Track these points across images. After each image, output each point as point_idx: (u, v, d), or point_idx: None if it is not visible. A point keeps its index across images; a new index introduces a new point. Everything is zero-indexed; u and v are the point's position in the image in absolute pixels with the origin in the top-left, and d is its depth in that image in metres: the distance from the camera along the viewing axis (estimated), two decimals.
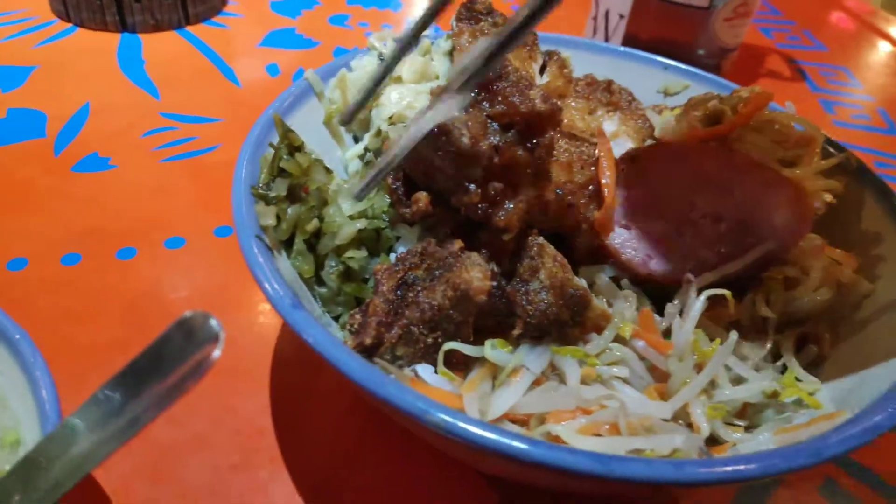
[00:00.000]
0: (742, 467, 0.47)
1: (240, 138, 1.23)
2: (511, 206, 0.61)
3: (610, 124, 0.86)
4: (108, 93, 1.33)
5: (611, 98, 0.87)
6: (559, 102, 0.64)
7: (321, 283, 0.71)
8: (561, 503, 0.74)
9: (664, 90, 0.99)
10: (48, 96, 1.29)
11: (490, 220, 0.62)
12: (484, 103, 0.61)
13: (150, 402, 0.43)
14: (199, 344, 0.39)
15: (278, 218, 0.65)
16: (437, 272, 0.61)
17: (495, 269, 0.64)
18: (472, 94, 0.62)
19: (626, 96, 0.89)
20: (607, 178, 0.72)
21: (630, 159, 0.77)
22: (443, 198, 0.66)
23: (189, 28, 1.56)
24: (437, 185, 0.65)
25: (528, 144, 0.62)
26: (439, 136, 0.61)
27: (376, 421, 0.82)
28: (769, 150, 0.82)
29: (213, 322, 0.39)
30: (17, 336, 0.58)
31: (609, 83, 0.90)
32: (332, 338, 0.53)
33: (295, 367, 0.87)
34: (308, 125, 0.82)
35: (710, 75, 0.98)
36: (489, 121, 0.61)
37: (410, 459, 0.78)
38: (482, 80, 0.61)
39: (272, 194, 0.65)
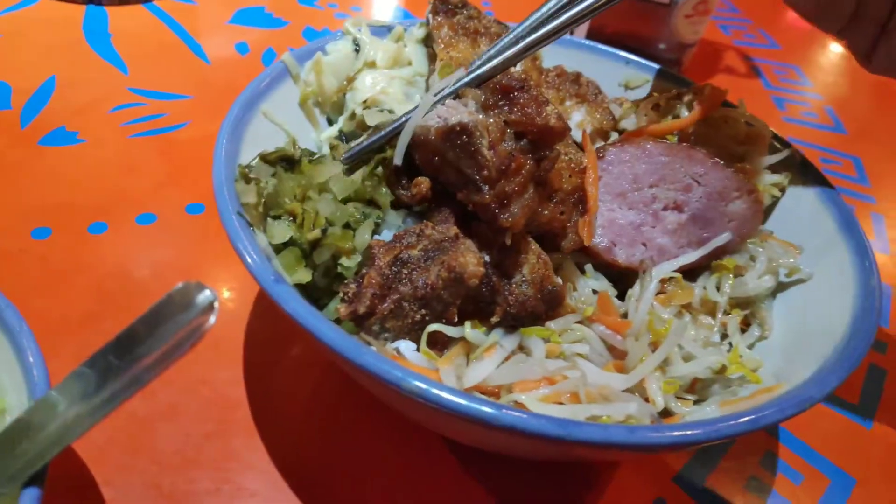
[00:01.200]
0: (689, 432, 0.52)
1: (209, 116, 1.25)
2: (517, 209, 0.65)
3: (577, 115, 0.90)
4: (75, 66, 1.31)
5: (579, 90, 0.92)
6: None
7: None
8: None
9: (625, 84, 1.04)
10: (12, 67, 1.27)
11: (496, 219, 0.65)
12: (504, 108, 0.65)
13: (143, 370, 0.45)
14: (194, 312, 0.42)
15: (259, 196, 0.67)
16: (432, 253, 0.65)
17: (486, 258, 0.68)
18: (494, 98, 0.65)
19: (592, 89, 0.93)
20: (593, 188, 0.76)
21: (598, 152, 0.81)
22: (443, 187, 0.70)
23: (156, 2, 1.55)
24: (445, 178, 0.68)
25: (537, 155, 0.66)
26: (460, 134, 0.64)
27: (347, 392, 0.85)
28: (723, 144, 0.87)
29: (208, 291, 0.42)
30: (1, 302, 0.60)
31: (577, 75, 0.94)
32: (313, 310, 0.56)
33: (266, 341, 0.89)
34: (284, 106, 0.84)
35: (669, 71, 1.03)
36: (507, 127, 0.64)
37: (378, 428, 0.81)
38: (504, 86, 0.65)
39: (253, 174, 0.68)
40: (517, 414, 0.50)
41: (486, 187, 0.63)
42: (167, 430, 0.79)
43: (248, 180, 0.67)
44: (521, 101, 0.65)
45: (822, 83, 1.81)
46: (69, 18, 1.44)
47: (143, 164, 1.13)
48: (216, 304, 0.41)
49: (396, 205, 0.73)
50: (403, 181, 0.71)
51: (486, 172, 0.63)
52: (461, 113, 0.65)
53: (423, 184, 0.68)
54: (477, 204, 0.65)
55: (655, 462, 0.84)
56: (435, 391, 0.51)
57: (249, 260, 0.60)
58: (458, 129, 0.63)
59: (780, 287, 0.81)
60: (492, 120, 0.64)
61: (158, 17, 1.50)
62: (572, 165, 0.71)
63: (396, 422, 0.81)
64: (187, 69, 1.36)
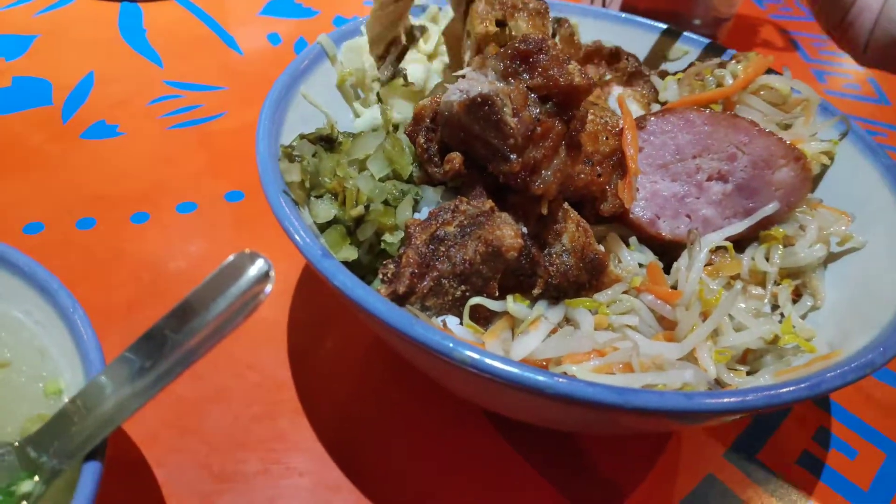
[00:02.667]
0: (748, 398, 0.51)
1: (244, 106, 1.26)
2: (549, 174, 0.64)
3: (617, 89, 0.89)
4: (112, 61, 1.33)
5: (618, 64, 0.90)
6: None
7: None
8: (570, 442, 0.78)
9: (665, 56, 1.02)
10: (52, 65, 1.30)
11: (528, 187, 0.64)
12: (524, 74, 0.64)
13: (198, 343, 0.46)
14: (249, 282, 0.42)
15: (303, 176, 0.67)
16: (468, 229, 0.64)
17: (524, 230, 0.67)
18: (514, 65, 0.64)
19: (632, 62, 0.92)
20: (631, 149, 0.74)
21: (639, 124, 0.80)
22: (474, 161, 0.69)
23: None
24: (475, 152, 0.67)
25: (565, 116, 0.65)
26: (482, 105, 0.63)
27: (390, 371, 0.85)
28: (768, 113, 0.85)
29: (262, 260, 0.42)
30: (56, 287, 0.61)
31: (616, 49, 0.92)
32: (362, 283, 0.56)
33: (311, 324, 0.90)
34: (322, 88, 0.84)
35: (710, 42, 1.00)
36: (529, 92, 0.63)
37: (423, 405, 0.82)
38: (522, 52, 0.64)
39: (296, 152, 0.68)
40: (572, 382, 0.49)
41: (514, 155, 0.62)
42: (216, 412, 0.80)
43: (291, 159, 0.67)
44: (542, 63, 0.64)
45: None
46: (105, 16, 1.46)
47: (182, 155, 1.14)
48: (271, 273, 0.41)
49: (432, 182, 0.72)
50: (435, 158, 0.70)
51: (511, 140, 0.62)
52: (482, 83, 0.64)
53: (456, 159, 0.67)
54: (506, 173, 0.64)
55: (705, 437, 0.83)
56: (488, 360, 0.50)
57: (297, 237, 0.60)
58: (479, 100, 0.62)
59: (832, 256, 0.79)
60: (513, 87, 0.63)
61: (191, 11, 1.51)
62: (609, 127, 0.70)
63: (441, 398, 0.81)
64: (221, 61, 1.38)
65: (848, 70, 1.67)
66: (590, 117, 0.68)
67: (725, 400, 0.50)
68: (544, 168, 0.63)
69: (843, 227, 0.77)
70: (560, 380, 0.49)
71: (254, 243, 1.00)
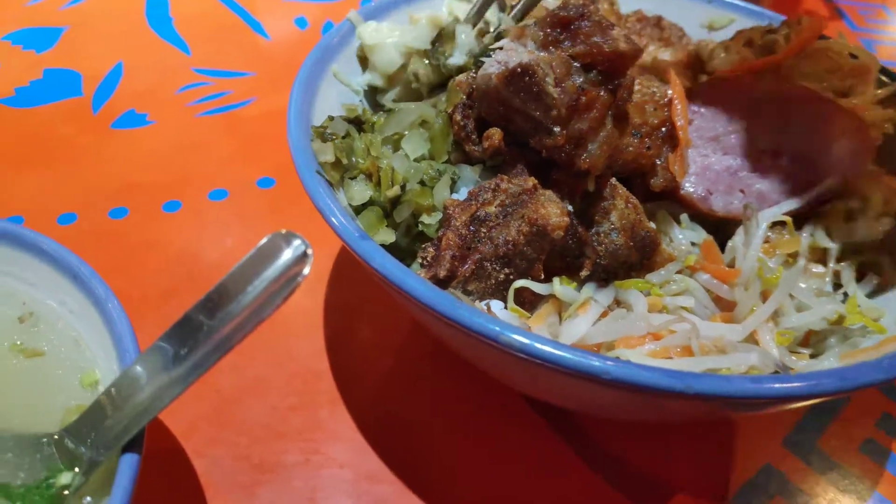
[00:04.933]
0: (821, 381, 0.47)
1: (273, 91, 1.23)
2: (595, 148, 0.60)
3: (662, 59, 0.84)
4: (140, 51, 1.32)
5: (661, 33, 0.86)
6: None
7: None
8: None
9: (709, 25, 0.97)
10: (81, 56, 1.29)
11: (573, 161, 0.61)
12: (566, 42, 0.60)
13: (235, 328, 0.43)
14: (286, 263, 0.40)
15: (337, 156, 0.64)
16: (510, 208, 0.61)
17: (569, 208, 0.63)
18: (554, 33, 0.60)
19: (676, 31, 0.87)
20: (681, 119, 0.70)
21: (688, 95, 0.76)
22: (514, 137, 0.65)
23: None
24: (515, 127, 0.64)
25: (610, 85, 0.61)
26: (522, 76, 0.60)
27: (431, 358, 0.83)
28: (823, 79, 0.80)
29: (299, 240, 0.40)
30: (89, 275, 0.59)
31: (659, 19, 0.88)
32: (401, 265, 0.54)
33: (347, 312, 0.88)
34: (353, 66, 0.82)
35: (756, 8, 0.95)
36: (572, 61, 0.60)
37: (462, 392, 0.79)
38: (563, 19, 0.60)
39: (329, 131, 0.65)
40: (629, 366, 0.46)
41: (558, 128, 0.59)
42: (254, 403, 0.78)
43: (324, 139, 0.65)
44: (584, 30, 0.60)
45: None
46: (131, 6, 1.45)
47: (212, 142, 1.13)
48: (309, 252, 0.39)
49: (470, 161, 0.69)
50: (473, 135, 0.67)
51: (554, 112, 0.58)
52: (521, 54, 0.61)
53: (495, 135, 0.63)
54: (550, 147, 0.60)
55: (762, 425, 0.79)
56: (538, 345, 0.47)
57: (333, 219, 0.57)
58: (519, 70, 0.59)
59: None
60: (555, 55, 0.60)
61: None
62: (657, 98, 0.66)
63: (481, 385, 0.78)
64: (248, 47, 1.36)
65: None
66: (636, 87, 0.64)
67: (796, 385, 0.47)
68: (590, 141, 0.59)
69: None
70: (616, 364, 0.46)
71: (287, 230, 0.98)
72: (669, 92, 0.70)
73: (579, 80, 0.58)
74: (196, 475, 0.72)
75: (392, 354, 0.84)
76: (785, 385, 0.47)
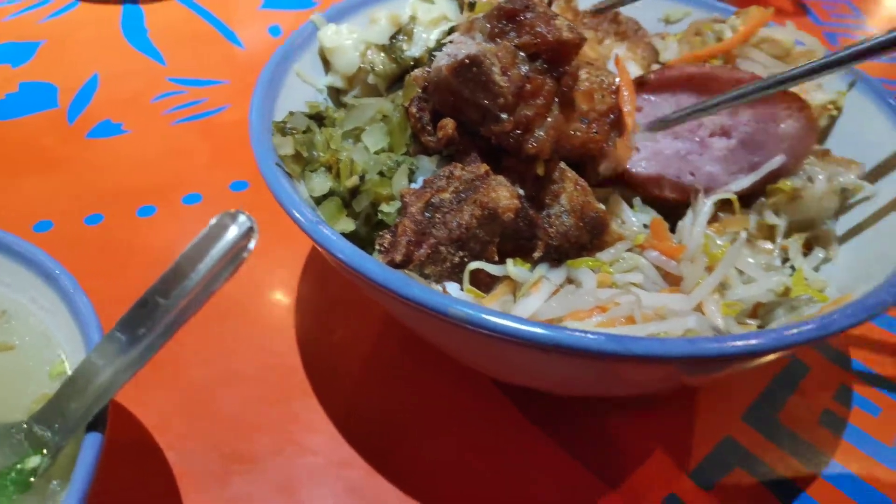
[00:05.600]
0: (753, 341, 0.49)
1: (247, 98, 1.23)
2: (541, 133, 0.63)
3: (618, 51, 0.87)
4: (116, 62, 1.34)
5: (618, 28, 0.89)
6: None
7: None
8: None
9: (666, 18, 1.00)
10: (57, 69, 1.31)
11: (522, 147, 0.63)
12: (511, 34, 0.63)
13: (187, 305, 0.45)
14: (233, 239, 0.42)
15: (297, 149, 0.67)
16: (463, 194, 0.63)
17: (520, 192, 0.66)
18: (500, 25, 0.63)
19: (632, 25, 0.90)
20: (628, 106, 0.73)
21: (638, 84, 0.78)
22: (467, 127, 0.68)
23: None
24: (467, 116, 0.66)
25: (555, 73, 0.64)
26: (470, 66, 0.62)
27: (403, 350, 0.85)
28: (771, 65, 0.83)
29: (243, 216, 0.42)
30: (57, 271, 0.61)
31: (615, 14, 0.91)
32: (355, 248, 0.56)
33: (321, 307, 0.90)
34: (316, 65, 0.84)
35: (711, 1, 0.98)
36: (517, 51, 0.63)
37: (433, 381, 0.81)
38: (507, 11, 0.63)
39: (290, 126, 0.67)
40: (566, 331, 0.48)
41: (505, 115, 0.61)
42: (228, 396, 0.80)
43: (284, 133, 0.67)
44: (529, 20, 0.63)
45: (878, 16, 1.72)
46: (107, 19, 1.47)
47: (187, 149, 1.15)
48: (254, 227, 0.41)
49: (427, 153, 0.72)
50: (429, 127, 0.70)
51: (501, 100, 0.61)
52: (469, 46, 0.63)
53: (448, 125, 0.66)
54: (498, 134, 0.63)
55: (722, 401, 0.81)
56: (482, 315, 0.49)
57: (290, 206, 0.59)
58: (467, 61, 0.62)
59: (844, 207, 0.77)
60: (501, 46, 0.62)
61: (192, 10, 1.52)
62: (605, 86, 0.69)
63: (452, 374, 0.80)
64: (223, 56, 1.38)
65: (863, 32, 1.63)
66: (584, 76, 0.67)
67: (729, 344, 0.49)
68: (537, 126, 0.62)
69: (853, 177, 0.75)
70: (556, 330, 0.48)
71: (260, 230, 1.00)
72: (618, 80, 0.73)
73: (525, 68, 0.61)
74: (169, 467, 0.73)
75: (365, 347, 0.86)
76: (718, 345, 0.49)
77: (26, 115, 1.19)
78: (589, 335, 0.48)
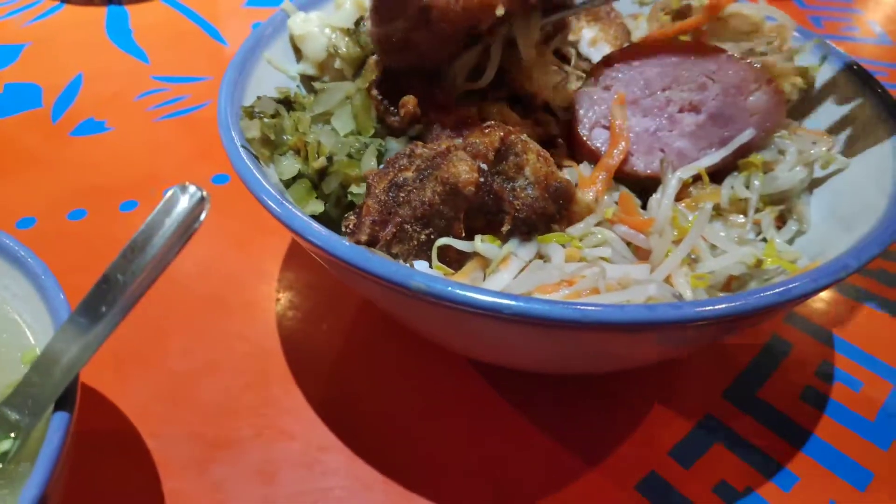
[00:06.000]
0: (711, 307, 0.49)
1: None
2: None
3: (589, 32, 0.88)
4: (100, 62, 1.35)
5: (590, 10, 0.89)
6: None
7: None
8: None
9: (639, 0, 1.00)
10: (42, 70, 1.32)
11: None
12: None
13: (144, 277, 0.46)
14: (186, 211, 0.42)
15: (265, 132, 0.67)
16: (426, 172, 0.63)
17: (482, 166, 0.66)
18: None
19: (604, 7, 0.90)
20: None
21: (605, 61, 0.79)
22: (430, 101, 0.68)
23: None
24: (425, 61, 0.66)
25: None
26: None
27: (379, 335, 0.85)
28: (739, 41, 0.83)
29: (193, 187, 0.42)
30: (25, 255, 0.62)
31: None
32: (319, 226, 0.56)
33: (299, 294, 0.90)
34: (288, 53, 0.85)
35: None
36: None
37: (411, 365, 0.81)
38: None
39: (257, 110, 0.68)
40: (525, 301, 0.48)
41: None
42: (207, 384, 0.80)
43: (251, 116, 0.67)
44: None
45: None
46: (92, 20, 1.48)
47: (169, 144, 1.15)
48: (205, 196, 0.41)
49: (395, 133, 0.72)
50: (391, 108, 0.70)
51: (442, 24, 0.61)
52: None
53: (409, 102, 0.66)
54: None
55: (701, 379, 0.81)
56: (439, 285, 0.50)
57: (255, 186, 0.60)
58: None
59: (816, 181, 0.77)
60: None
61: (176, 9, 1.53)
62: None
63: (427, 355, 0.81)
64: (206, 53, 1.39)
65: (847, 14, 1.63)
66: None
67: (688, 310, 0.49)
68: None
69: (825, 149, 0.75)
70: (512, 299, 0.48)
71: (239, 221, 1.00)
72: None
73: None
74: (150, 454, 0.73)
75: (342, 332, 0.86)
76: (678, 311, 0.49)
77: (10, 116, 1.20)
78: (543, 302, 0.48)
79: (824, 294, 0.92)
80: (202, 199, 0.41)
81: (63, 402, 0.52)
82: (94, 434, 0.74)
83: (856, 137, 0.76)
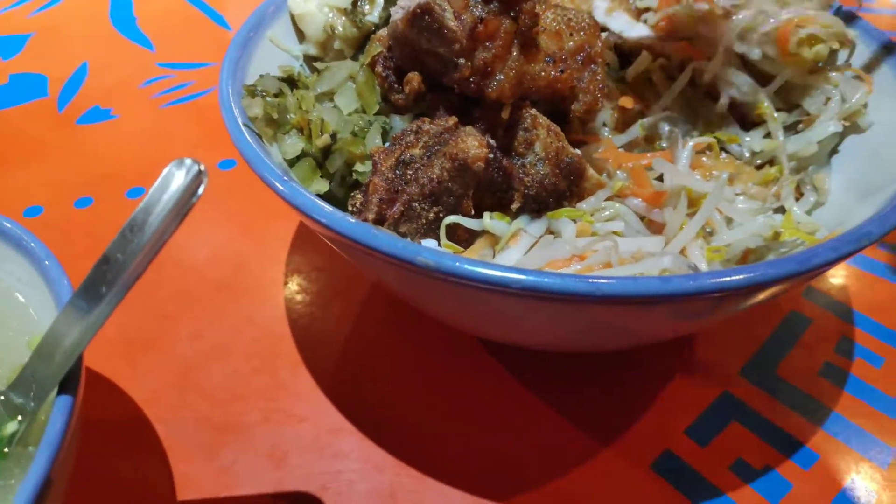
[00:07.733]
0: (729, 278, 0.48)
1: None
2: (501, 76, 0.61)
3: (602, 2, 0.85)
4: (105, 51, 1.34)
5: None
6: None
7: None
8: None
9: None
10: (47, 60, 1.32)
11: (483, 92, 0.62)
12: None
13: (143, 255, 0.45)
14: (184, 185, 0.41)
15: (268, 111, 0.66)
16: (433, 148, 0.62)
17: (491, 141, 0.64)
18: None
19: None
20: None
21: None
22: (434, 81, 0.66)
23: None
24: (428, 68, 0.65)
25: (511, 13, 0.62)
26: (423, 15, 0.61)
27: (388, 317, 0.84)
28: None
29: (189, 160, 0.41)
30: (29, 240, 0.61)
31: None
32: (324, 204, 0.55)
33: (307, 278, 0.89)
34: (290, 32, 0.83)
35: None
36: None
37: (421, 347, 0.80)
38: None
39: (260, 89, 0.67)
40: (535, 275, 0.47)
41: (462, 60, 0.60)
42: (216, 368, 0.80)
43: (254, 95, 0.66)
44: None
45: None
46: (96, 9, 1.47)
47: (176, 130, 1.14)
48: (202, 169, 0.40)
49: (400, 111, 0.70)
50: (396, 85, 0.68)
51: (457, 45, 0.59)
52: None
53: (414, 79, 0.65)
54: (459, 81, 0.61)
55: (718, 356, 0.80)
56: (447, 261, 0.48)
57: (255, 161, 0.58)
58: (418, 10, 0.60)
59: (835, 151, 0.75)
60: None
61: None
62: (572, 24, 0.67)
63: (437, 336, 0.80)
64: (211, 39, 1.38)
65: None
66: (551, 17, 0.65)
67: (705, 281, 0.47)
68: (497, 70, 0.60)
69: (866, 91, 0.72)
70: (523, 275, 0.47)
71: (247, 206, 0.99)
72: (587, 19, 0.70)
73: (478, 11, 0.59)
74: (159, 439, 0.73)
75: (351, 315, 0.85)
76: (694, 282, 0.47)
77: (17, 106, 1.20)
78: (554, 275, 0.46)
79: (843, 268, 0.90)
80: (199, 172, 0.40)
81: (67, 385, 0.51)
82: (103, 420, 0.74)
83: (877, 106, 0.74)
